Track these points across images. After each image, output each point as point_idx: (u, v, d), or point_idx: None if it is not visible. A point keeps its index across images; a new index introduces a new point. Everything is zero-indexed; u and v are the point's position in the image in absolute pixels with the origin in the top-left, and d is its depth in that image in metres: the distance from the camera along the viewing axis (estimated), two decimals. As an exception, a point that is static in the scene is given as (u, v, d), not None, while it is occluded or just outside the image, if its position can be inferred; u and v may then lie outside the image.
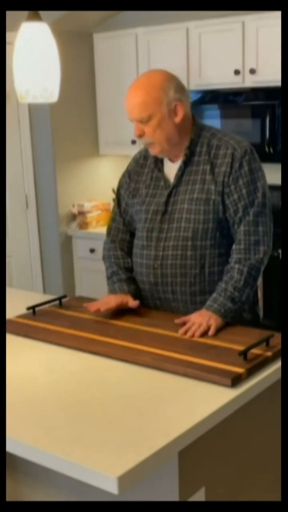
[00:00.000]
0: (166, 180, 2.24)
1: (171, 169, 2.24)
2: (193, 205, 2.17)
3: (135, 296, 2.26)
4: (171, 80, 2.14)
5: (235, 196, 2.13)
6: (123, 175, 2.41)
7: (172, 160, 2.24)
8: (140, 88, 2.13)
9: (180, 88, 2.16)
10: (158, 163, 2.27)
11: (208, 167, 2.17)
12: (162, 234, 2.22)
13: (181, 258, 2.18)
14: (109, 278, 2.34)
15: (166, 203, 2.22)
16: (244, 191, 2.13)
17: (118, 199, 2.42)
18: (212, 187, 2.15)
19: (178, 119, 2.14)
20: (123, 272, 2.31)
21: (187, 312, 2.17)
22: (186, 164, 2.20)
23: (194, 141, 2.19)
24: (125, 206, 2.39)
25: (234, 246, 2.16)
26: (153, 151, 2.20)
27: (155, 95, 2.10)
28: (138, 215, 2.29)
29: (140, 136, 2.16)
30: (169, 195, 2.21)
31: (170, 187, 2.22)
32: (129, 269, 2.34)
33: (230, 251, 2.19)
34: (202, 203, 2.16)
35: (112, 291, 2.28)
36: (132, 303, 2.20)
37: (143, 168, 2.32)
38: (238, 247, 2.14)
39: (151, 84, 2.12)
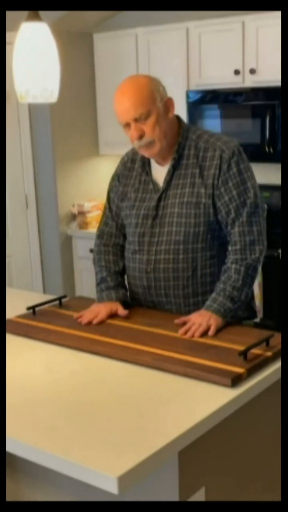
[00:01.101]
0: (155, 184, 2.23)
1: (159, 173, 2.23)
2: (184, 209, 2.16)
3: (124, 301, 2.26)
4: (156, 80, 2.15)
5: (226, 198, 2.13)
6: (113, 178, 2.39)
7: (160, 164, 2.24)
8: (130, 90, 2.09)
9: (164, 87, 2.16)
10: (146, 166, 2.26)
11: (197, 171, 2.16)
12: (154, 238, 2.21)
13: (173, 261, 2.18)
14: (97, 284, 2.33)
15: (157, 207, 2.21)
16: (234, 192, 2.13)
17: (108, 203, 2.40)
18: (202, 190, 2.14)
19: (171, 114, 2.14)
20: (112, 279, 2.30)
21: (181, 314, 2.18)
22: (174, 167, 2.19)
23: (181, 144, 2.18)
24: (116, 210, 2.37)
25: (230, 247, 2.16)
26: (152, 151, 2.15)
27: (148, 92, 2.08)
28: (128, 219, 2.29)
29: (141, 136, 2.10)
30: (159, 199, 2.21)
31: (160, 191, 2.21)
32: (120, 273, 2.33)
33: (221, 252, 2.20)
34: (193, 206, 2.15)
35: (99, 299, 2.28)
36: (122, 312, 2.20)
37: (131, 172, 2.31)
38: (234, 248, 2.14)
39: (139, 84, 2.10)
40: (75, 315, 2.22)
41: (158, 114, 2.10)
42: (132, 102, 2.07)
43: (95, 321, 2.16)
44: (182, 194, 2.17)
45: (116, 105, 2.11)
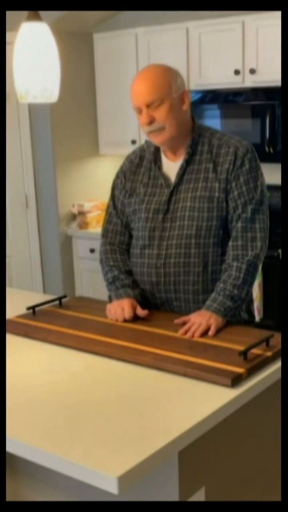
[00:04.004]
0: (166, 178, 2.23)
1: (170, 168, 2.23)
2: (197, 203, 2.16)
3: (138, 300, 2.22)
4: (175, 71, 2.18)
5: (235, 193, 2.14)
6: (117, 176, 2.38)
7: (170, 159, 2.24)
8: (147, 76, 2.13)
9: (182, 79, 2.19)
10: (158, 161, 2.26)
11: (210, 166, 2.17)
12: (165, 232, 2.21)
13: (185, 256, 2.18)
14: (111, 283, 2.28)
15: (168, 201, 2.21)
16: (244, 188, 2.14)
17: (113, 201, 2.38)
18: (216, 184, 2.15)
19: (185, 107, 2.16)
20: (126, 277, 2.26)
21: (189, 311, 2.16)
22: (188, 162, 2.19)
23: (195, 140, 2.20)
24: (121, 207, 2.35)
25: (230, 243, 2.16)
26: (162, 137, 2.15)
27: (165, 80, 2.12)
28: (137, 214, 2.27)
29: (151, 122, 2.12)
30: (171, 194, 2.21)
31: (172, 186, 2.21)
32: (130, 273, 2.29)
33: None
34: (206, 200, 2.16)
35: (117, 296, 2.22)
36: (141, 312, 2.16)
37: (139, 168, 2.31)
38: (235, 244, 2.15)
39: (156, 72, 2.14)
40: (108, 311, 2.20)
41: (171, 104, 2.11)
42: (146, 88, 2.11)
43: (127, 315, 2.14)
44: (195, 188, 2.17)
45: (131, 89, 2.15)
